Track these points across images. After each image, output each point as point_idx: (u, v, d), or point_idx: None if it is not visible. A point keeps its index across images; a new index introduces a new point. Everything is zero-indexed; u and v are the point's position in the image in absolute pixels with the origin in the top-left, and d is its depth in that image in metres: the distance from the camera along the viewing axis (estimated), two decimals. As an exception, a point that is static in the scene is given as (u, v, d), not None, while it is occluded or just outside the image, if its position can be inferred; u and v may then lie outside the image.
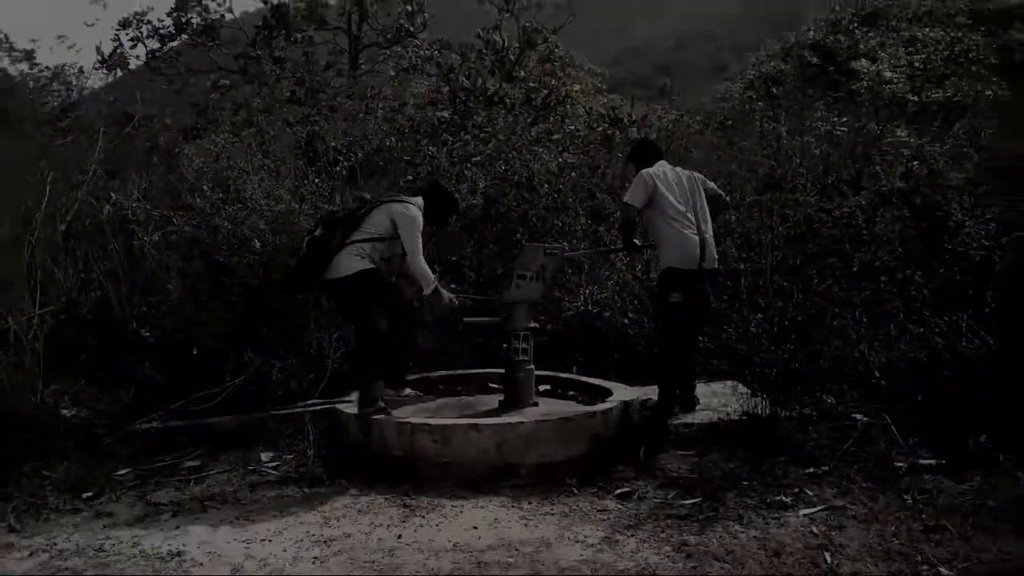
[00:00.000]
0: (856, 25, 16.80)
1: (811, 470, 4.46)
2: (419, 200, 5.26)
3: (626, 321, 6.61)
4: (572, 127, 9.17)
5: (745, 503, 4.12)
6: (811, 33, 16.79)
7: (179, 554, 3.66)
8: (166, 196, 6.44)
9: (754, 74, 17.38)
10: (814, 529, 3.78)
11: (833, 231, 5.94)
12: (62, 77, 27.21)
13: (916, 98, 10.50)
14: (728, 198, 5.69)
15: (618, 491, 4.38)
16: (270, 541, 3.79)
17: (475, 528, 3.92)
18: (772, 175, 6.44)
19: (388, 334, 5.01)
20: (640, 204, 5.21)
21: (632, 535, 3.79)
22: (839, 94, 10.85)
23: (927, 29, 15.27)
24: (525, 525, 3.96)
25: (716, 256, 5.32)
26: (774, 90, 15.11)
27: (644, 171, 5.30)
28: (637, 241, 5.52)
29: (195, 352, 5.42)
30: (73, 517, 4.19)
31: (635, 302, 6.81)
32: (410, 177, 7.63)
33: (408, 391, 5.47)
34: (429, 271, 5.06)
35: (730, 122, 12.10)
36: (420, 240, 5.02)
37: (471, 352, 6.54)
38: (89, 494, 4.46)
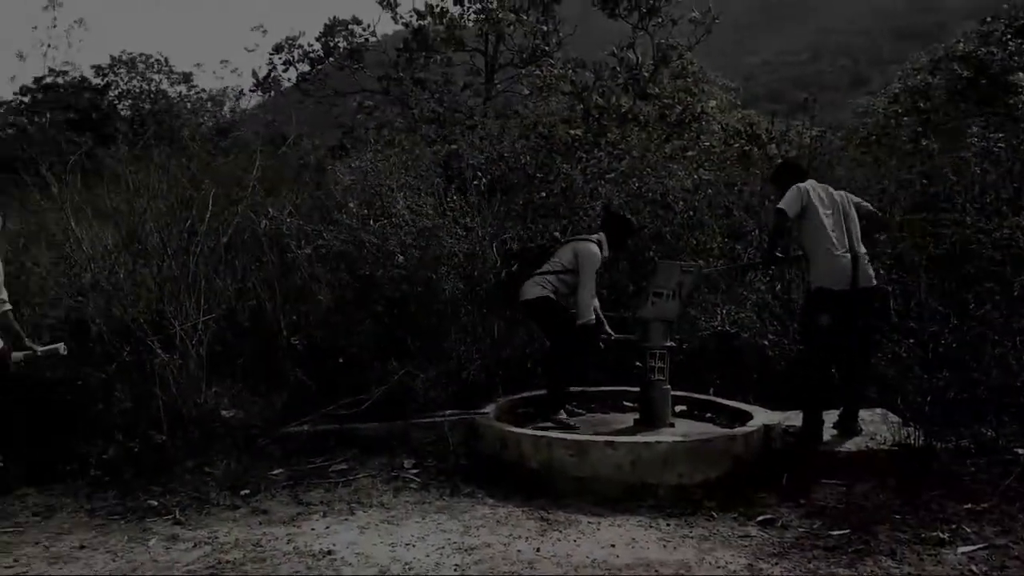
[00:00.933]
0: (1010, 36, 15.83)
1: (969, 506, 4.20)
2: (600, 236, 5.65)
3: (766, 343, 6.43)
4: (707, 143, 9.04)
5: (898, 537, 3.93)
6: (961, 45, 15.94)
7: (330, 553, 3.83)
8: (315, 211, 6.77)
9: (899, 88, 16.63)
10: (973, 568, 3.56)
11: (992, 253, 5.60)
12: (218, 98, 29.06)
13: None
14: (881, 216, 5.46)
15: (760, 517, 4.26)
16: (414, 546, 3.91)
17: (613, 546, 3.91)
18: (925, 193, 6.13)
19: (566, 353, 5.44)
20: (794, 213, 5.03)
21: (776, 564, 3.69)
22: (995, 109, 10.22)
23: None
24: (664, 546, 3.92)
25: (872, 274, 5.10)
26: (921, 104, 14.41)
27: (798, 184, 5.14)
28: (779, 253, 5.34)
29: (341, 360, 5.65)
30: (232, 512, 4.46)
31: (775, 322, 6.63)
32: (543, 194, 7.72)
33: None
34: (591, 305, 5.44)
35: (874, 137, 11.63)
36: (593, 276, 5.44)
37: (602, 369, 6.51)
38: (247, 491, 4.73)
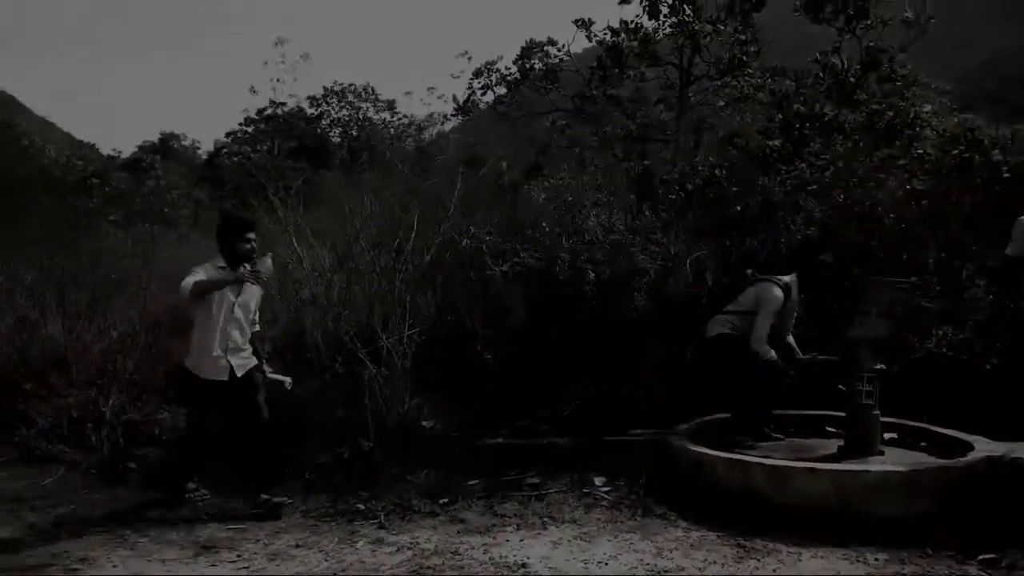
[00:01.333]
0: None
1: None
2: (792, 278, 5.51)
3: (988, 367, 5.89)
4: (921, 151, 8.40)
5: None
6: None
7: (524, 565, 3.93)
8: (511, 230, 6.97)
9: None
10: None
11: None
12: (420, 124, 30.66)
13: None
14: None
15: (982, 556, 3.91)
16: (606, 564, 3.93)
17: (815, 578, 3.73)
18: None
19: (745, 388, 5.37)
20: (1017, 252, 4.61)
21: (1000, 611, 3.37)
22: None
23: None
24: (872, 583, 3.69)
25: None
26: None
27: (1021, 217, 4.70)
28: None
29: (534, 375, 5.77)
30: (432, 520, 4.68)
31: (999, 344, 6.05)
32: (739, 208, 7.50)
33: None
34: (763, 342, 5.32)
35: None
36: (769, 318, 5.34)
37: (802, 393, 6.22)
38: (445, 500, 4.95)
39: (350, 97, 32.62)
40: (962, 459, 4.58)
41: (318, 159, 22.90)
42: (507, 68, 12.06)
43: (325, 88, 32.01)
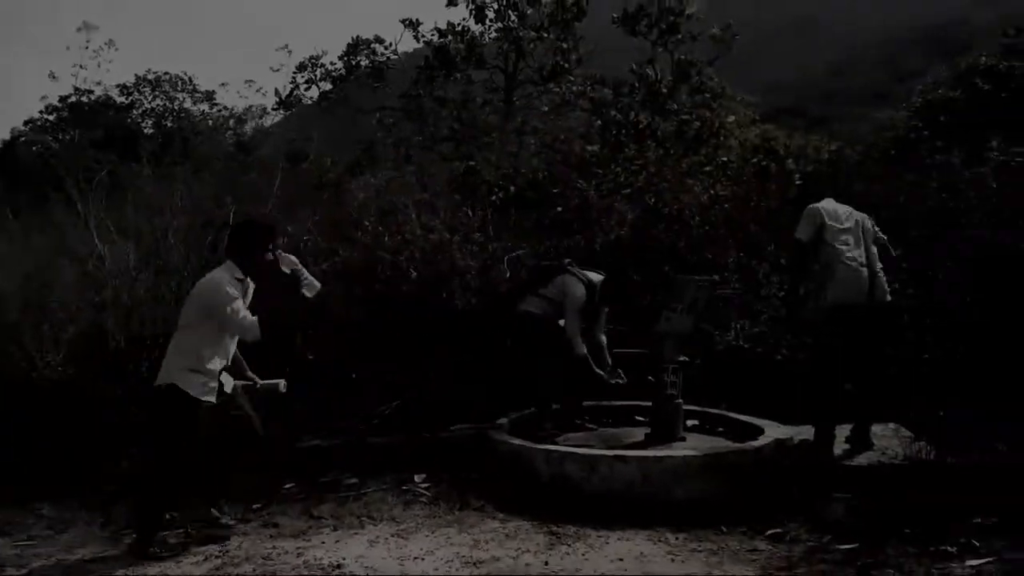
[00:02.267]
0: (1034, 49, 15.72)
1: (979, 520, 4.15)
2: (597, 278, 5.67)
3: (779, 358, 6.42)
4: (725, 159, 9.04)
5: (906, 551, 3.91)
6: (983, 59, 15.85)
7: (339, 566, 3.88)
8: (332, 228, 6.86)
9: (920, 101, 16.55)
10: (982, 582, 3.54)
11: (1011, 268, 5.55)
12: (241, 117, 29.42)
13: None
14: (893, 254, 5.44)
15: (769, 531, 4.26)
16: (423, 560, 3.94)
17: (621, 560, 3.92)
18: (944, 208, 6.08)
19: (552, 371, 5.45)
20: (808, 237, 5.07)
21: (784, 581, 3.68)
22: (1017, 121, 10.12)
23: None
24: (672, 560, 3.92)
25: (887, 289, 5.09)
26: (942, 118, 14.31)
27: (811, 205, 5.17)
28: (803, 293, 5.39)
29: (354, 376, 5.72)
30: (244, 526, 4.52)
31: (789, 336, 6.60)
32: (559, 208, 7.76)
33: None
34: (576, 338, 5.43)
35: (893, 152, 11.56)
36: (576, 315, 5.46)
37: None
38: (258, 505, 4.80)
39: (165, 86, 30.81)
40: (753, 443, 4.96)
41: (127, 151, 21.46)
42: (332, 64, 11.91)
43: (137, 76, 30.11)
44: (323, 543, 4.23)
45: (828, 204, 5.22)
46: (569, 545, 4.12)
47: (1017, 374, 5.11)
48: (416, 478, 5.15)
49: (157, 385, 4.19)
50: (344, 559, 3.98)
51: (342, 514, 4.66)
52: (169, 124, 29.85)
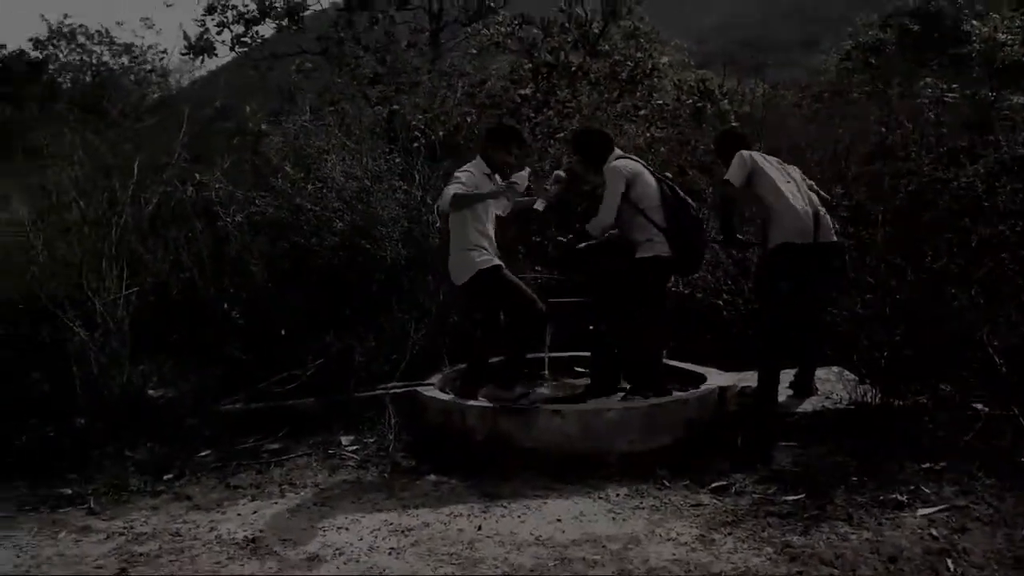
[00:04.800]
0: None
1: (928, 465, 4.06)
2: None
3: (720, 303, 6.25)
4: (660, 101, 8.79)
5: (855, 501, 3.77)
6: (911, 0, 15.92)
7: (254, 540, 3.57)
8: (250, 178, 6.40)
9: (851, 45, 16.59)
10: (933, 532, 3.41)
11: (950, 203, 5.44)
12: (164, 70, 27.98)
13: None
14: (831, 201, 5.26)
15: (714, 484, 4.08)
16: (347, 529, 3.66)
17: (559, 520, 3.70)
18: (883, 143, 5.93)
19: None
20: (740, 181, 4.84)
21: (729, 533, 3.50)
22: (946, 59, 10.11)
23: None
24: (612, 519, 3.72)
25: (832, 229, 4.91)
26: (872, 60, 14.34)
27: (741, 151, 4.94)
28: (740, 236, 5.18)
29: (282, 333, 5.35)
30: (153, 499, 4.16)
31: (728, 282, 6.44)
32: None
33: None
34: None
35: (827, 95, 11.48)
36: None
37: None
38: (170, 476, 4.44)
39: (82, 39, 29.12)
40: (696, 391, 4.77)
41: (41, 107, 20.14)
42: (245, 5, 11.11)
43: (51, 29, 28.36)
44: (239, 515, 3.90)
45: (756, 153, 5.04)
46: (505, 507, 3.88)
47: (955, 313, 5.02)
48: (343, 441, 4.84)
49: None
50: (261, 531, 3.67)
51: (262, 483, 4.32)
52: (87, 78, 28.30)
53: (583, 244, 5.12)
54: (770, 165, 4.92)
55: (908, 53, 12.39)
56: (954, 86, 7.54)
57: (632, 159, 5.01)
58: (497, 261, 4.64)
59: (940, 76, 7.94)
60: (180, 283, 5.93)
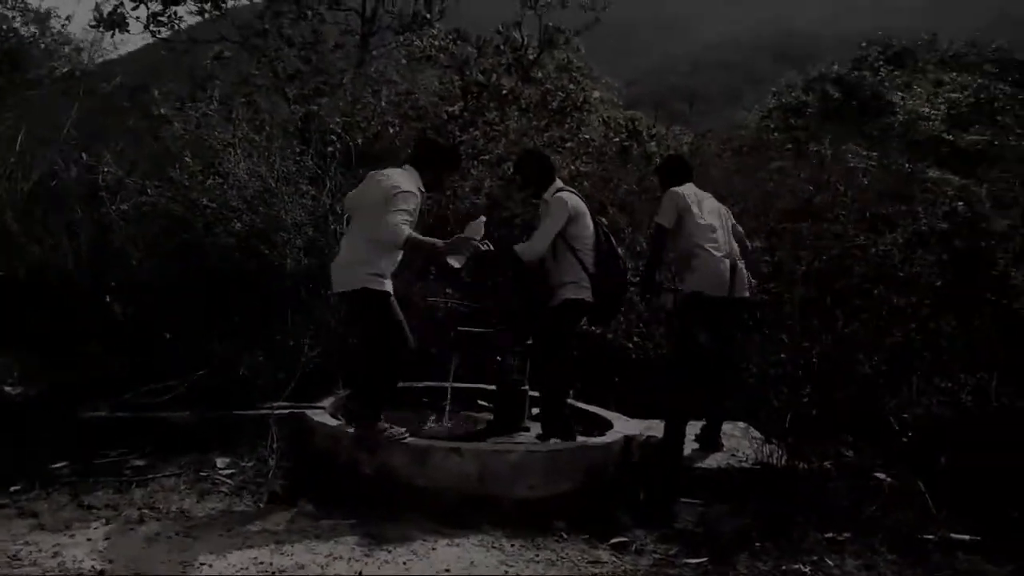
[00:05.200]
0: (882, 64, 16.50)
1: (831, 535, 3.94)
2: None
3: (630, 345, 6.10)
4: (587, 136, 8.68)
5: (758, 569, 3.63)
6: (835, 67, 16.47)
7: (101, 573, 3.14)
8: (146, 165, 5.89)
9: (774, 103, 17.04)
10: (836, 608, 3.27)
11: (865, 269, 5.44)
12: (78, 45, 26.47)
13: (951, 138, 10.02)
14: (749, 245, 5.18)
15: (613, 540, 3.87)
16: (210, 566, 3.26)
17: (447, 571, 3.40)
18: (810, 201, 5.91)
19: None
20: (670, 224, 4.70)
21: (626, 599, 3.28)
22: (868, 130, 10.39)
23: (954, 74, 14.95)
24: (506, 572, 3.44)
25: (747, 284, 4.82)
26: (793, 121, 14.73)
27: (673, 189, 4.79)
28: (660, 279, 5.02)
29: (166, 336, 4.85)
30: (-10, 516, 3.65)
31: (640, 325, 6.31)
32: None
33: None
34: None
35: (746, 149, 11.67)
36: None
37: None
38: (17, 487, 3.92)
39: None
40: (601, 438, 4.56)
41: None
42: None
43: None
44: (89, 540, 3.45)
45: (689, 189, 4.89)
46: (389, 551, 3.55)
47: (862, 379, 4.99)
48: (218, 463, 4.39)
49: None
50: (111, 562, 3.24)
51: (120, 504, 3.85)
52: (-5, 46, 26.45)
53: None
54: (700, 206, 4.78)
55: (830, 117, 12.72)
56: (874, 154, 7.67)
57: (575, 194, 4.74)
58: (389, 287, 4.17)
59: (860, 143, 8.08)
60: (58, 274, 5.38)
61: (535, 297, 4.69)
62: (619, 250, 4.72)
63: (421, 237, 4.02)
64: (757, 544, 3.84)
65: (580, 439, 4.57)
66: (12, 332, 5.14)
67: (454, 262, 4.13)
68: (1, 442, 4.27)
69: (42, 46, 28.60)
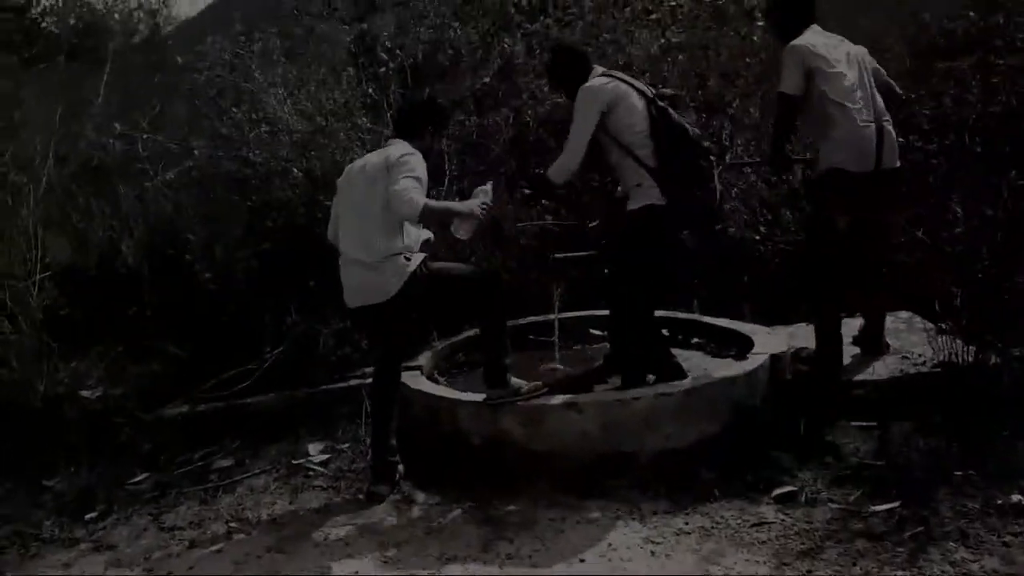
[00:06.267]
0: None
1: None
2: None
3: (757, 237, 5.25)
4: (674, 1, 7.59)
5: (966, 509, 2.86)
6: None
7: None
8: (184, 123, 5.34)
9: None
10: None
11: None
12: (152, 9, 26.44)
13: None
14: (900, 93, 4.11)
15: (777, 491, 3.16)
16: (303, 590, 2.78)
17: (583, 562, 2.81)
18: (979, 25, 4.73)
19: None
20: (798, 90, 3.70)
21: (809, 571, 2.60)
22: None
23: None
24: (652, 554, 2.83)
25: (897, 151, 3.85)
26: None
27: (794, 43, 3.75)
28: (791, 151, 4.07)
29: (225, 319, 4.37)
30: (67, 552, 3.29)
31: (765, 212, 5.42)
32: (485, 79, 6.32)
33: None
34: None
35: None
36: None
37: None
38: (93, 515, 3.56)
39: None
40: (744, 364, 3.79)
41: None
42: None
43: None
44: (170, 573, 3.03)
45: (814, 38, 3.83)
46: (511, 541, 2.99)
47: None
48: (310, 450, 3.92)
49: None
50: (198, 601, 2.81)
51: (204, 519, 3.42)
52: (72, 22, 26.73)
53: None
54: (833, 59, 3.74)
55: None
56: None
57: (618, 77, 3.77)
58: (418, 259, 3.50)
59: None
60: (120, 260, 4.97)
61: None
62: (686, 125, 3.64)
63: (437, 203, 3.58)
64: (957, 472, 3.08)
65: (718, 372, 3.81)
66: (93, 329, 4.79)
67: (461, 233, 3.59)
68: (77, 459, 3.92)
69: (116, 16, 28.70)
